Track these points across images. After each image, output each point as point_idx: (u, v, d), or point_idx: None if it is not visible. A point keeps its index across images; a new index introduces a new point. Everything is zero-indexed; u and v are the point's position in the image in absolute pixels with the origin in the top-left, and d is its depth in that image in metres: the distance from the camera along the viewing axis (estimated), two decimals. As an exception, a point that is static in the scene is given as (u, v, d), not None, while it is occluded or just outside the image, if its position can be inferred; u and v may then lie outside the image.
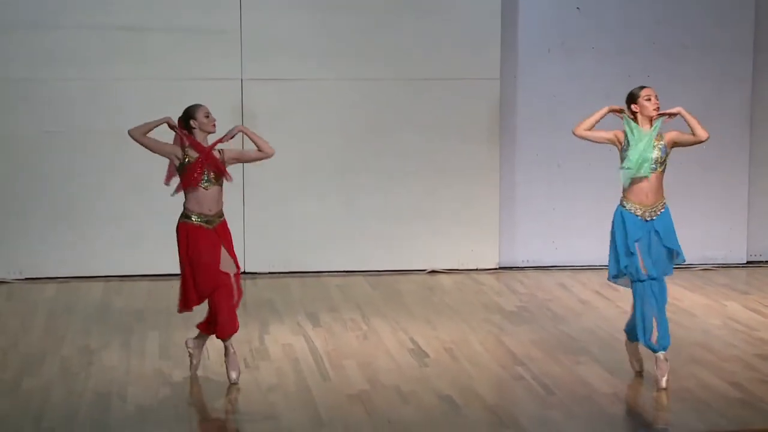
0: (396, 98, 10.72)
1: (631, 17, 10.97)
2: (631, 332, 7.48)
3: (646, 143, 7.29)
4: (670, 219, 7.39)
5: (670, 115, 7.41)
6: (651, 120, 7.35)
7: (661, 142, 7.37)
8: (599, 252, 11.11)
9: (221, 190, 7.39)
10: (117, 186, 10.45)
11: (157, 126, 7.37)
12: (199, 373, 7.57)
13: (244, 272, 10.59)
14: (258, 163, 10.52)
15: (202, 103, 7.50)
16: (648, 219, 7.33)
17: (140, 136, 7.34)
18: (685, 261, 7.51)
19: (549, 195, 11.07)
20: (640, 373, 7.52)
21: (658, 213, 7.35)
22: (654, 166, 7.32)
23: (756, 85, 11.17)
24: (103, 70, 10.37)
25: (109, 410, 6.83)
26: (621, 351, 8.09)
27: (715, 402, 6.97)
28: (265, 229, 10.71)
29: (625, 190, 7.36)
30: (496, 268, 10.94)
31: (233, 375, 7.31)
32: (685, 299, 9.76)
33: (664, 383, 7.18)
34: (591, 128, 7.42)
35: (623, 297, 9.82)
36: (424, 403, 6.98)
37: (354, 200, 10.80)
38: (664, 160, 7.37)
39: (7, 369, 7.64)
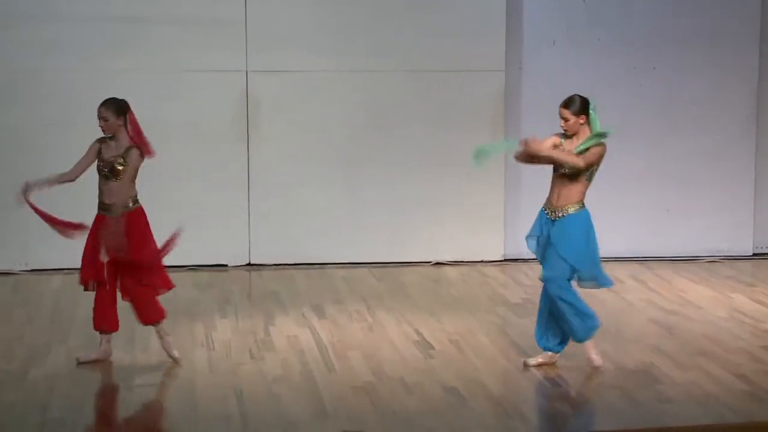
0: (400, 90, 10.70)
1: (636, 8, 10.95)
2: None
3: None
4: (574, 226, 7.36)
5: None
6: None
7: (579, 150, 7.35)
8: (605, 244, 11.13)
9: (123, 185, 7.47)
10: (122, 177, 10.43)
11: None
12: (204, 364, 7.58)
13: (249, 264, 10.67)
14: (262, 154, 10.60)
15: (102, 103, 7.60)
16: (552, 218, 7.41)
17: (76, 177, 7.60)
18: (595, 284, 7.55)
19: (554, 187, 11.03)
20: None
21: (561, 216, 7.37)
22: (569, 170, 7.32)
23: (762, 76, 11.14)
24: (106, 62, 10.35)
25: (114, 401, 6.84)
26: (626, 343, 8.10)
27: (721, 394, 6.96)
28: (269, 221, 10.70)
29: None
30: (501, 260, 10.93)
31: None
32: (690, 291, 9.75)
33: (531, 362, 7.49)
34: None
35: (630, 289, 9.83)
36: (429, 395, 6.97)
37: (358, 192, 10.79)
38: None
39: (13, 360, 7.65)
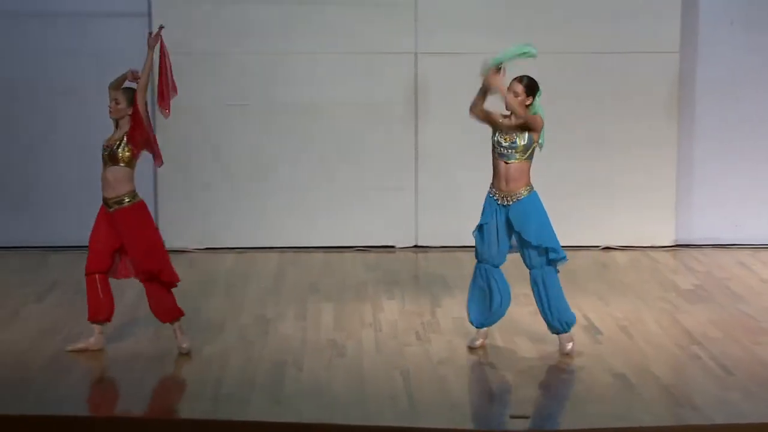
0: (570, 71, 10.56)
1: (819, -15, 10.56)
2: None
3: None
4: (532, 207, 7.33)
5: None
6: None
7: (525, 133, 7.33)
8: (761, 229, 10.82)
9: (121, 175, 7.30)
10: (293, 157, 10.62)
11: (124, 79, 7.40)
12: (371, 345, 7.66)
13: (416, 246, 10.73)
14: (430, 136, 10.63)
15: (113, 86, 7.40)
16: (503, 204, 7.35)
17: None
18: (562, 258, 7.37)
19: (728, 171, 10.76)
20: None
21: (515, 200, 7.33)
22: (516, 154, 7.31)
23: None
24: (281, 44, 10.54)
25: (284, 379, 6.97)
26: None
27: None
28: (437, 203, 10.72)
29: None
30: (672, 246, 10.72)
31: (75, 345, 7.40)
32: None
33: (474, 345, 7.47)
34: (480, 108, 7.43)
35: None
36: (597, 380, 6.90)
37: (527, 175, 10.70)
38: (530, 149, 7.35)
39: (189, 335, 7.84)
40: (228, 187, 10.63)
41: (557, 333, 7.44)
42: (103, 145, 7.40)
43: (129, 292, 8.88)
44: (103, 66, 10.62)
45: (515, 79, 7.39)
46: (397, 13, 10.49)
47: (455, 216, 10.70)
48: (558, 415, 6.39)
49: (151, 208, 10.53)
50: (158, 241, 7.53)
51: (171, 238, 10.64)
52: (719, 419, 6.37)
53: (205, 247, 10.67)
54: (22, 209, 10.59)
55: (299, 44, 10.53)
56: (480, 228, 7.48)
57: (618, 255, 10.48)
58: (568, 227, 10.66)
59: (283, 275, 9.73)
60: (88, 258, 7.46)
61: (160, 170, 10.61)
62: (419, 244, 10.75)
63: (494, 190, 7.45)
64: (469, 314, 7.58)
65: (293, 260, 10.28)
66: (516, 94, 7.34)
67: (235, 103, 10.51)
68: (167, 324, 7.52)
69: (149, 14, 10.47)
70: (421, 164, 10.65)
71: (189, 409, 6.49)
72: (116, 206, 7.35)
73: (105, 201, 7.40)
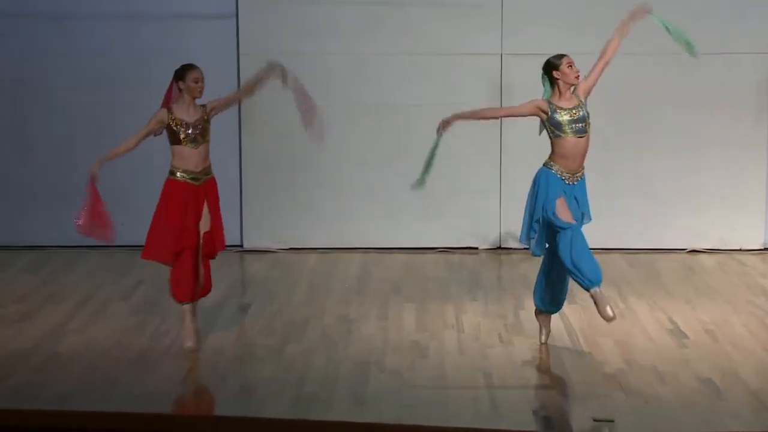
0: (659, 73, 10.44)
1: None
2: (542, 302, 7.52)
3: None
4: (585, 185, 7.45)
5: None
6: (569, 87, 7.31)
7: (582, 102, 7.34)
8: None
9: (207, 150, 7.47)
10: (376, 158, 10.65)
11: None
12: (454, 346, 7.64)
13: (499, 247, 10.68)
14: (514, 138, 10.58)
15: (196, 66, 7.49)
16: (570, 183, 7.40)
17: (118, 156, 7.59)
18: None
19: (820, 173, 10.56)
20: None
21: (580, 177, 7.40)
22: (583, 127, 7.28)
23: None
24: (364, 44, 10.57)
25: (367, 379, 6.98)
26: None
27: None
28: (521, 204, 10.63)
29: (552, 154, 7.41)
30: (761, 249, 10.54)
31: (188, 344, 7.47)
32: None
33: (611, 312, 7.14)
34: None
35: None
36: (683, 385, 6.81)
37: (613, 176, 10.60)
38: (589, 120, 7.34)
39: (272, 334, 7.93)
40: (311, 188, 10.69)
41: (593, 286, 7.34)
42: (189, 124, 7.39)
43: (213, 291, 8.98)
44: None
45: (569, 57, 7.46)
46: (482, 14, 10.46)
47: (539, 218, 10.64)
48: (643, 419, 6.31)
49: (236, 209, 10.80)
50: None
51: (255, 238, 10.78)
52: (809, 426, 6.25)
53: (289, 247, 10.74)
54: (111, 209, 10.72)
55: (384, 45, 10.55)
56: (554, 199, 7.47)
57: (705, 258, 10.33)
58: (655, 229, 10.60)
59: (366, 276, 9.75)
60: (177, 238, 7.43)
61: (245, 171, 10.73)
62: (502, 245, 10.70)
63: (562, 170, 7.45)
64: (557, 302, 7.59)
65: (376, 261, 10.30)
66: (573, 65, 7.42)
67: (318, 103, 10.55)
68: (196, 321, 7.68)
69: (236, 16, 10.58)
70: (506, 166, 10.60)
71: (272, 409, 6.53)
72: (205, 177, 7.50)
73: (193, 176, 7.44)
